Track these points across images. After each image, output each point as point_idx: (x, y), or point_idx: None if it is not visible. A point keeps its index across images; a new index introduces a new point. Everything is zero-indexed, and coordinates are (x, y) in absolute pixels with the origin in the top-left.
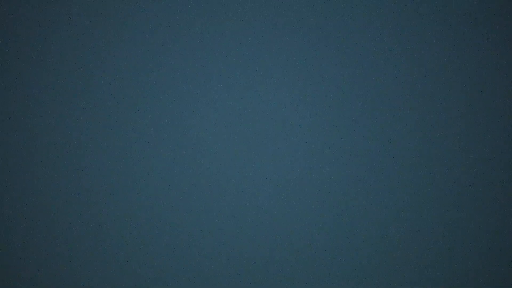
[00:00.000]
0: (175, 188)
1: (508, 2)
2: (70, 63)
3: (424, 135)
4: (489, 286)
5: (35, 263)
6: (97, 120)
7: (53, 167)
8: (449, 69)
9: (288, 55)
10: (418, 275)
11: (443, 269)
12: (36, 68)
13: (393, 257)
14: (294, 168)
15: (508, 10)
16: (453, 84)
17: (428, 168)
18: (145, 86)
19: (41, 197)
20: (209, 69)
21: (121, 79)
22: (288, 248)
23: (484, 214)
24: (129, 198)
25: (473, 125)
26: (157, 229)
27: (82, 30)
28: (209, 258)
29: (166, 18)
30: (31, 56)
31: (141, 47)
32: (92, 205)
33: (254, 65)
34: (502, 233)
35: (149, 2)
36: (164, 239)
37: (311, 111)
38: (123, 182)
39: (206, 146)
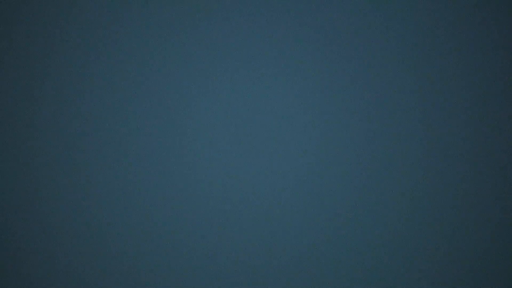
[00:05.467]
0: (175, 188)
1: (508, 2)
2: (69, 62)
3: (427, 135)
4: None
5: (34, 263)
6: (95, 120)
7: (51, 166)
8: (450, 69)
9: (289, 54)
10: (421, 276)
11: (447, 271)
12: (35, 68)
13: (395, 258)
14: (294, 169)
15: (508, 10)
16: (454, 84)
17: (431, 169)
18: (144, 86)
19: (40, 197)
20: (208, 68)
21: (118, 78)
22: (288, 249)
23: (487, 215)
24: (129, 198)
25: (475, 124)
26: (158, 229)
27: (81, 29)
28: (209, 258)
29: (165, 17)
30: (30, 56)
31: (140, 46)
32: (89, 205)
33: (254, 64)
34: (504, 235)
35: (149, 2)
36: (164, 239)
37: (312, 111)
38: (122, 182)
39: (206, 146)
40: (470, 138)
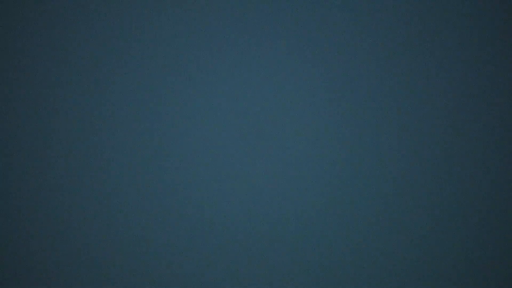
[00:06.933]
0: (176, 188)
1: (508, 2)
2: (70, 62)
3: (424, 136)
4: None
5: (35, 263)
6: (96, 120)
7: (51, 165)
8: (448, 70)
9: (288, 55)
10: (418, 276)
11: (443, 270)
12: (36, 69)
13: (392, 258)
14: (293, 168)
15: (508, 10)
16: (452, 85)
17: (428, 169)
18: (145, 86)
19: (41, 197)
20: (209, 69)
21: (120, 78)
22: (287, 249)
23: (485, 215)
24: (130, 197)
25: (473, 124)
26: (159, 229)
27: (82, 30)
28: (208, 258)
29: (166, 18)
30: (30, 56)
31: (141, 47)
32: (91, 205)
33: (254, 64)
34: (503, 234)
35: (150, 3)
36: (164, 239)
37: (311, 111)
38: (124, 182)
39: (206, 146)
40: (468, 138)
